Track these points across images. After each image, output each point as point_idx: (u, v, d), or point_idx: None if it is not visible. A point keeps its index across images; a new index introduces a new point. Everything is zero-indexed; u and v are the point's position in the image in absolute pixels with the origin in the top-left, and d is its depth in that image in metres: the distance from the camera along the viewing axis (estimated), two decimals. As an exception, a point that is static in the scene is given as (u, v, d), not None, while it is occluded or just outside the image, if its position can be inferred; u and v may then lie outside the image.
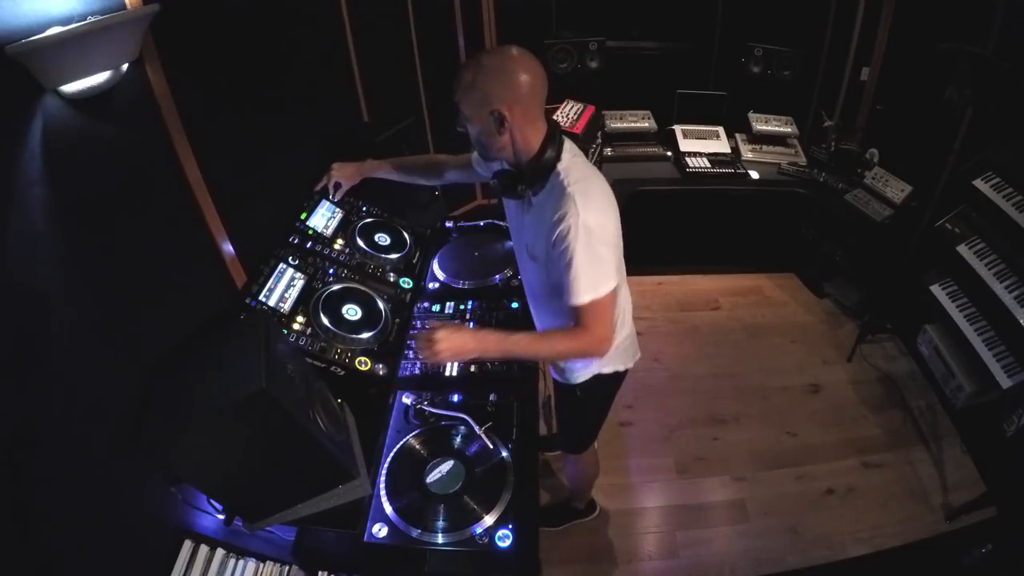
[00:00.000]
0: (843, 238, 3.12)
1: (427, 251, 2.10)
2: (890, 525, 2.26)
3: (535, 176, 1.29)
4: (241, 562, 1.23)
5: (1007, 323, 2.09)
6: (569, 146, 1.34)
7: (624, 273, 1.43)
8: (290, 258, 1.66)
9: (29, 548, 0.89)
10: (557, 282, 1.29)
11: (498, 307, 1.88)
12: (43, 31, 0.90)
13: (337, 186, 1.81)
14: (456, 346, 1.27)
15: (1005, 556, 1.93)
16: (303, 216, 1.83)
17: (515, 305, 1.88)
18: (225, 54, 1.50)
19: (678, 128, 3.42)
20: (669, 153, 3.39)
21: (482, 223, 2.27)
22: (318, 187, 1.83)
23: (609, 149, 3.35)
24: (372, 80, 2.38)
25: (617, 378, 1.65)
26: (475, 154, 1.66)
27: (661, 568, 2.18)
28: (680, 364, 2.98)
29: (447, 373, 1.68)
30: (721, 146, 3.38)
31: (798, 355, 3.07)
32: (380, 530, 1.31)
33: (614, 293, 1.28)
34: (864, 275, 3.20)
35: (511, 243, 2.13)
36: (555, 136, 1.29)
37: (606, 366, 1.59)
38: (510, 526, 1.31)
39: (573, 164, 1.30)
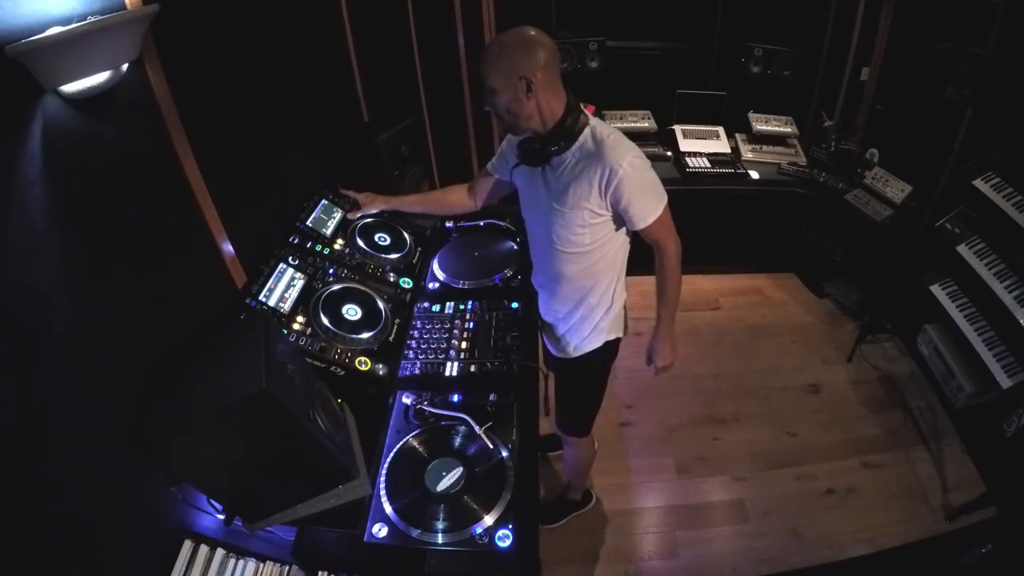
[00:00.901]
0: (843, 238, 3.12)
1: (427, 251, 2.10)
2: (890, 525, 2.26)
3: (561, 136, 1.45)
4: (241, 562, 1.23)
5: (1007, 323, 2.09)
6: (592, 116, 1.52)
7: (627, 245, 1.62)
8: (290, 258, 1.66)
9: (29, 548, 0.89)
10: (601, 222, 1.49)
11: (498, 307, 1.88)
12: (43, 31, 0.90)
13: (357, 206, 1.94)
14: (670, 353, 1.73)
15: (1005, 556, 1.93)
16: (303, 216, 1.83)
17: (515, 305, 1.88)
18: (225, 54, 1.50)
19: (678, 128, 3.42)
20: (669, 153, 3.40)
21: (482, 223, 2.27)
22: (346, 192, 1.96)
23: (609, 149, 3.35)
24: (372, 80, 2.38)
25: (616, 345, 1.77)
26: (491, 162, 1.79)
27: (661, 568, 2.18)
28: (680, 364, 2.93)
29: (447, 373, 1.68)
30: (721, 146, 3.38)
31: (798, 355, 3.08)
32: (380, 530, 1.31)
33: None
34: (864, 275, 3.20)
35: (511, 243, 2.15)
36: (575, 105, 1.45)
37: (612, 332, 1.72)
38: (510, 526, 1.31)
39: (600, 124, 1.49)
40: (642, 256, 1.64)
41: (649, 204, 1.46)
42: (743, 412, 2.76)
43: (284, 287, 1.58)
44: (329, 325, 1.54)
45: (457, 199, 1.90)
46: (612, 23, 3.53)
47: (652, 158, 3.48)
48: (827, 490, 2.41)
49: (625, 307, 1.75)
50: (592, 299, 1.65)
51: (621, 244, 1.60)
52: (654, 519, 2.34)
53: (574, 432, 1.96)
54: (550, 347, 1.85)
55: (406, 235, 2.03)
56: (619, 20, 3.61)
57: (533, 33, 1.38)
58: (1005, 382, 2.09)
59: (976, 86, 2.36)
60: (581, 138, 1.46)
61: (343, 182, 2.08)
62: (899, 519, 2.28)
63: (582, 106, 1.48)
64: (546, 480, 2.43)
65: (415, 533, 1.30)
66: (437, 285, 2.01)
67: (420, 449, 1.49)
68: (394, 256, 1.92)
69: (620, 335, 1.76)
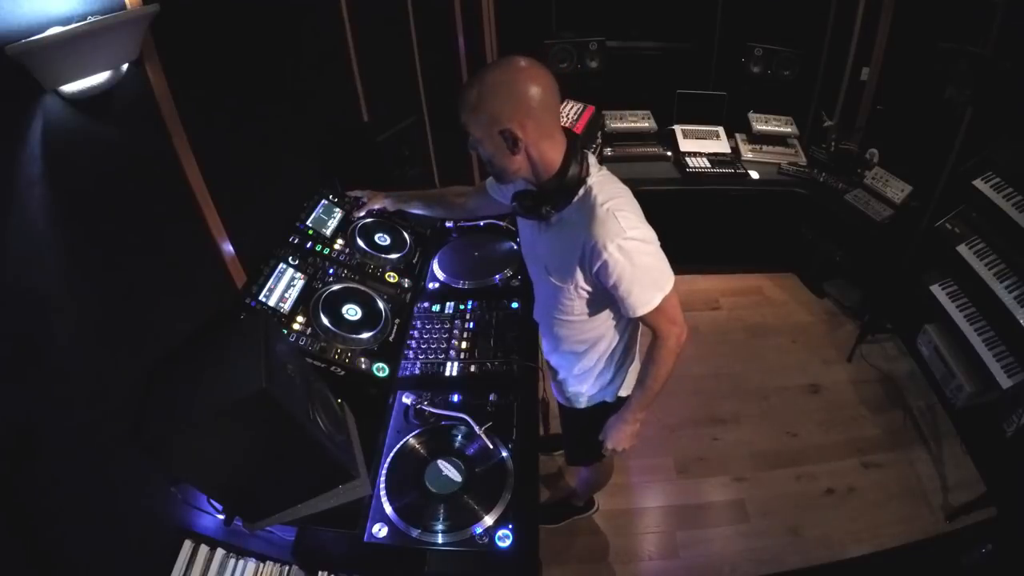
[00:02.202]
0: (843, 238, 3.12)
1: (427, 251, 2.10)
2: (890, 525, 2.26)
3: (560, 194, 1.24)
4: (241, 562, 1.23)
5: (1007, 323, 2.09)
6: (593, 161, 1.30)
7: None
8: (290, 258, 1.66)
9: (29, 548, 0.89)
10: (594, 299, 1.33)
11: (498, 307, 1.88)
12: (43, 31, 0.90)
13: (363, 204, 1.91)
14: (627, 439, 1.54)
15: (1005, 556, 1.93)
16: (303, 216, 1.83)
17: (515, 305, 1.88)
18: (225, 54, 1.50)
19: (678, 128, 3.42)
20: (669, 153, 3.40)
21: (482, 223, 2.27)
22: (352, 193, 1.96)
23: (609, 149, 3.36)
24: (372, 80, 2.38)
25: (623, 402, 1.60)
26: (490, 179, 1.62)
27: (661, 568, 2.18)
28: (680, 364, 2.94)
29: (447, 373, 1.68)
30: (721, 146, 3.38)
31: (798, 355, 3.07)
32: (380, 530, 1.31)
33: (675, 290, 1.27)
34: (864, 275, 3.20)
35: (511, 243, 2.15)
36: (575, 149, 1.22)
37: (610, 394, 1.60)
38: (510, 526, 1.31)
39: (601, 180, 1.26)
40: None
41: (642, 295, 1.22)
42: (743, 412, 2.76)
43: (284, 287, 1.58)
44: (329, 325, 1.54)
45: (461, 204, 1.80)
46: (612, 23, 3.53)
47: (652, 158, 3.50)
48: (827, 490, 2.41)
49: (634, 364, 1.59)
50: (590, 362, 1.52)
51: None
52: (654, 519, 2.34)
53: (584, 464, 1.93)
54: (554, 389, 1.76)
55: (406, 235, 2.03)
56: (619, 20, 3.61)
57: (523, 65, 1.13)
58: (1005, 382, 2.09)
59: (976, 86, 2.36)
60: (575, 198, 1.24)
61: (343, 182, 2.08)
62: (899, 519, 2.28)
63: (584, 150, 1.27)
64: (546, 480, 2.43)
65: (415, 533, 1.31)
66: (437, 285, 2.01)
67: (420, 449, 1.49)
68: (394, 256, 1.92)
69: (628, 394, 1.56)
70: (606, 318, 1.42)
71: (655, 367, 1.37)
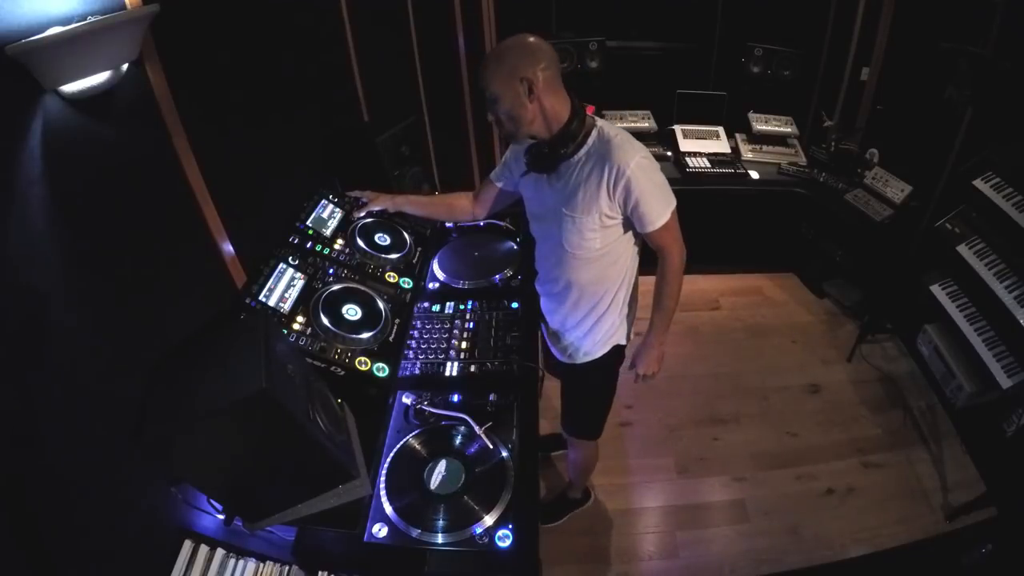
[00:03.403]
0: (843, 238, 3.12)
1: (427, 251, 2.09)
2: (890, 525, 2.26)
3: (569, 140, 1.43)
4: (241, 562, 1.23)
5: (1007, 323, 2.09)
6: (597, 117, 1.51)
7: (638, 251, 1.61)
8: (290, 258, 1.66)
9: (29, 549, 0.89)
10: (613, 225, 1.48)
11: (498, 307, 1.88)
12: (43, 31, 0.90)
13: (363, 204, 1.92)
14: (655, 362, 1.71)
15: (1005, 556, 1.93)
16: (303, 216, 1.83)
17: (515, 305, 1.88)
18: (225, 54, 1.50)
19: (678, 128, 3.42)
20: (669, 153, 3.40)
21: (482, 223, 2.27)
22: (352, 193, 1.96)
23: (609, 149, 3.35)
24: (372, 80, 2.38)
25: (624, 350, 1.75)
26: (493, 172, 1.76)
27: (661, 568, 2.18)
28: (680, 364, 2.98)
29: (447, 373, 1.68)
30: (721, 146, 3.38)
31: (798, 355, 3.08)
32: (380, 530, 1.31)
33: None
34: (864, 275, 3.20)
35: (511, 243, 2.15)
36: (579, 108, 1.43)
37: (620, 337, 1.70)
38: (510, 526, 1.31)
39: (607, 125, 1.48)
40: (642, 256, 1.63)
41: (658, 207, 1.43)
42: (743, 412, 2.76)
43: (284, 287, 1.58)
44: (329, 325, 1.54)
45: (462, 207, 1.87)
46: (612, 23, 3.53)
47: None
48: (827, 490, 2.41)
49: (634, 312, 1.73)
50: (603, 305, 1.63)
51: (633, 249, 1.58)
52: (654, 519, 2.34)
53: (584, 436, 1.95)
54: (556, 353, 1.82)
55: (406, 235, 2.03)
56: (619, 20, 3.61)
57: (532, 39, 1.38)
58: (1005, 382, 2.09)
59: (976, 86, 2.36)
60: (589, 140, 1.44)
61: (343, 182, 2.08)
62: (899, 519, 2.28)
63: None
64: (546, 480, 2.43)
65: (415, 533, 1.31)
66: (437, 285, 2.01)
67: (420, 449, 1.49)
68: (394, 256, 1.92)
69: (626, 340, 1.73)
70: (620, 252, 1.56)
71: (667, 285, 1.57)
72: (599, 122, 1.47)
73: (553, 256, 1.61)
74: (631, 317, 1.72)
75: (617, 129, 1.46)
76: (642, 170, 1.38)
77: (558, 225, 1.53)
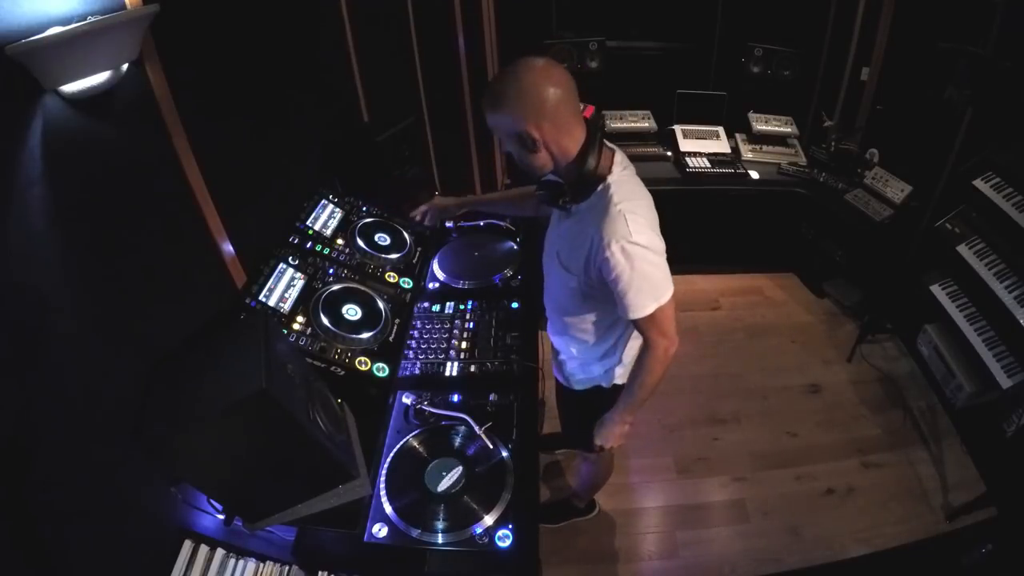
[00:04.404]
0: (843, 238, 3.12)
1: (427, 251, 2.10)
2: (890, 525, 2.26)
3: (578, 187, 1.29)
4: (241, 562, 1.23)
5: (1007, 323, 2.09)
6: (620, 159, 1.35)
7: None
8: (290, 258, 1.66)
9: (29, 548, 0.89)
10: (597, 295, 1.35)
11: (498, 307, 1.88)
12: (43, 31, 0.90)
13: (432, 213, 1.86)
14: (616, 438, 1.55)
15: (1005, 556, 1.93)
16: (303, 216, 1.83)
17: (515, 305, 1.88)
18: (225, 54, 1.50)
19: (678, 128, 3.42)
20: (669, 153, 3.39)
21: (482, 223, 2.27)
22: (414, 214, 1.87)
23: (609, 149, 3.35)
24: (372, 80, 2.38)
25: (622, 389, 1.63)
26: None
27: (661, 568, 2.18)
28: (680, 364, 2.93)
29: (447, 373, 1.68)
30: (721, 146, 3.38)
31: (798, 355, 3.07)
32: (380, 530, 1.31)
33: (672, 299, 1.29)
34: (864, 275, 3.20)
35: (511, 243, 2.15)
36: (594, 142, 1.26)
37: (606, 381, 1.61)
38: (510, 526, 1.31)
39: (622, 179, 1.30)
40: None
41: (637, 299, 1.25)
42: (743, 412, 2.76)
43: (284, 287, 1.58)
44: (329, 325, 1.54)
45: (526, 203, 1.75)
46: (612, 23, 3.53)
47: (652, 158, 3.50)
48: (827, 490, 2.41)
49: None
50: (598, 346, 1.55)
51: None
52: (654, 519, 2.34)
53: (582, 448, 1.92)
54: (555, 369, 1.78)
55: (406, 235, 2.03)
56: (619, 20, 3.61)
57: (539, 66, 1.18)
58: (1005, 382, 2.09)
59: (976, 86, 2.36)
60: (593, 195, 1.30)
61: (344, 182, 2.08)
62: (899, 519, 2.28)
63: (605, 143, 1.32)
64: (547, 480, 2.43)
65: (415, 533, 1.31)
66: (437, 285, 2.01)
67: (420, 449, 1.49)
68: (394, 256, 1.92)
69: (622, 383, 1.59)
70: (609, 312, 1.43)
71: (642, 373, 1.40)
72: (614, 175, 1.29)
73: (549, 289, 1.57)
74: (623, 365, 1.59)
75: (630, 191, 1.29)
76: (626, 256, 1.21)
77: (551, 263, 1.47)
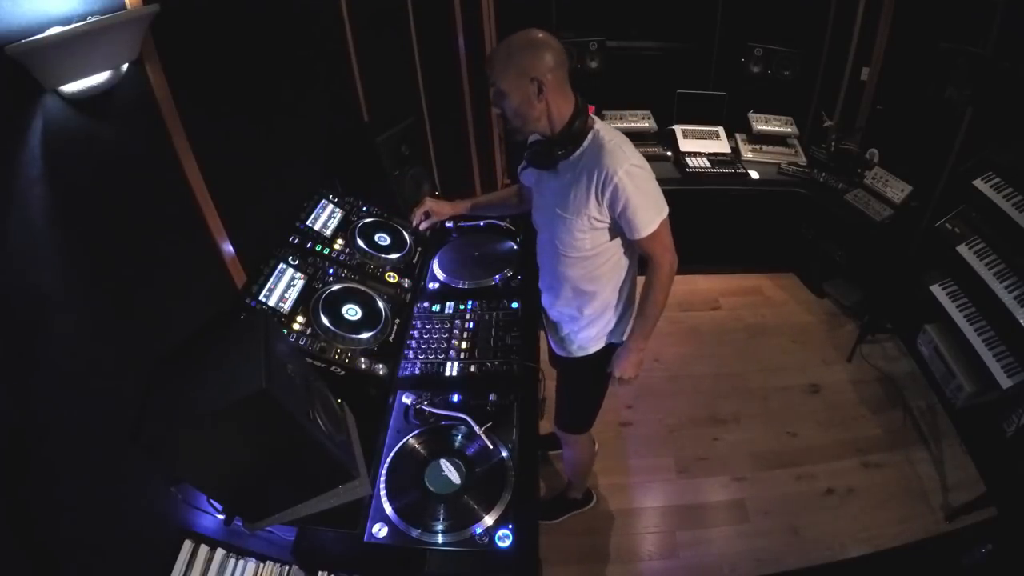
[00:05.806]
0: (843, 238, 3.12)
1: (427, 251, 2.10)
2: (890, 525, 2.26)
3: (568, 141, 1.44)
4: (241, 562, 1.23)
5: (1007, 323, 2.09)
6: (595, 117, 1.51)
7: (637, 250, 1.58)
8: (290, 258, 1.66)
9: (29, 548, 0.89)
10: (603, 228, 1.48)
11: (498, 307, 1.88)
12: (43, 31, 0.90)
13: (427, 216, 1.90)
14: (633, 367, 1.67)
15: (1005, 556, 1.93)
16: (303, 216, 1.83)
17: (515, 305, 1.88)
18: (225, 54, 1.50)
19: (678, 128, 3.42)
20: (669, 153, 3.40)
21: (482, 223, 2.27)
22: (413, 220, 1.90)
23: (609, 149, 3.35)
24: (372, 80, 2.38)
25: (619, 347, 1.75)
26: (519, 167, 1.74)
27: (661, 568, 2.18)
28: (680, 364, 2.98)
29: (447, 373, 1.68)
30: (721, 146, 3.38)
31: (798, 355, 3.07)
32: (380, 530, 1.31)
33: (667, 219, 1.47)
34: (864, 275, 3.20)
35: (511, 243, 2.15)
36: (582, 108, 1.44)
37: (617, 336, 1.70)
38: (510, 526, 1.31)
39: (604, 126, 1.49)
40: (641, 256, 1.62)
41: (645, 216, 1.42)
42: (743, 412, 2.76)
43: (284, 287, 1.58)
44: (329, 325, 1.54)
45: (514, 199, 1.90)
46: (612, 23, 3.53)
47: (652, 158, 3.51)
48: (827, 490, 2.41)
49: (634, 311, 1.70)
50: (597, 302, 1.63)
51: (629, 250, 1.58)
52: (654, 519, 2.34)
53: (571, 429, 1.96)
54: (553, 344, 1.85)
55: (406, 235, 2.03)
56: (619, 20, 3.61)
57: (541, 35, 1.38)
58: (1005, 382, 2.09)
59: (976, 86, 2.36)
60: (585, 142, 1.45)
61: (344, 182, 2.08)
62: (899, 519, 2.28)
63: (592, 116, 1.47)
64: (546, 479, 2.43)
65: (415, 533, 1.31)
66: (437, 285, 2.01)
67: (420, 449, 1.49)
68: (394, 256, 1.92)
69: (621, 339, 1.72)
70: (612, 253, 1.55)
71: (653, 293, 1.54)
72: (597, 124, 1.47)
73: (548, 250, 1.64)
74: (629, 316, 1.71)
75: (614, 133, 1.47)
76: (630, 177, 1.38)
77: (552, 222, 1.55)
